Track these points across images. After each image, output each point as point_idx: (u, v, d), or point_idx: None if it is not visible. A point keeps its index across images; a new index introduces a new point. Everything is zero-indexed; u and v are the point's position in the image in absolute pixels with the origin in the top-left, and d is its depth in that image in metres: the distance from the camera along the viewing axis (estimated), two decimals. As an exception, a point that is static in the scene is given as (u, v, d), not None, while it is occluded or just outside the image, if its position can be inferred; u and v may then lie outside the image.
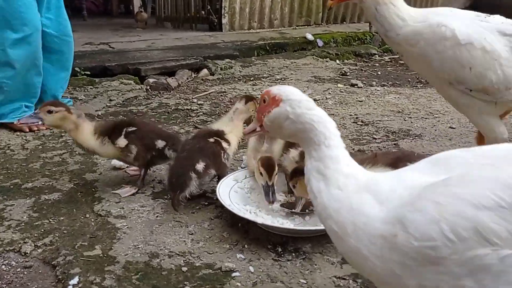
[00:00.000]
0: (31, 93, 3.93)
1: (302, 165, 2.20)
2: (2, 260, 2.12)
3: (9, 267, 2.08)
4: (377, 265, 1.24)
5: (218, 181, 2.56)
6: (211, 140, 2.64)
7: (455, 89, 2.61)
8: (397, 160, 2.24)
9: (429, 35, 2.54)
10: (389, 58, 7.32)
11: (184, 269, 2.03)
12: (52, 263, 2.09)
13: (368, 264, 1.26)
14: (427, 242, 1.13)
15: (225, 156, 2.64)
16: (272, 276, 1.97)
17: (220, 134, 2.70)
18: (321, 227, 2.22)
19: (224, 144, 2.66)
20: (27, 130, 3.79)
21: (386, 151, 2.61)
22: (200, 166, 2.49)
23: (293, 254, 2.14)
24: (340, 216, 1.31)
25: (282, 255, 2.13)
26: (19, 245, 2.22)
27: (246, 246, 2.20)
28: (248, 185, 2.62)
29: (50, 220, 2.45)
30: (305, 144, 1.46)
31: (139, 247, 2.19)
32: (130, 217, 2.47)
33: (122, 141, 2.67)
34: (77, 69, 5.41)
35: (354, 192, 1.32)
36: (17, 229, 2.37)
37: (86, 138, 2.70)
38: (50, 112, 2.61)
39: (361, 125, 3.99)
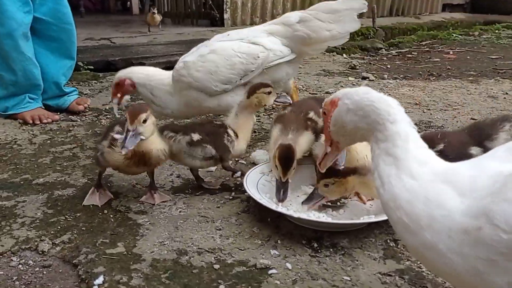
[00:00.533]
0: (34, 85, 3.78)
1: (339, 165, 2.08)
2: (18, 259, 1.97)
3: (27, 267, 1.93)
4: (456, 262, 1.11)
5: (228, 169, 2.57)
6: (217, 122, 2.59)
7: None
8: None
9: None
10: (396, 52, 7.21)
11: (216, 266, 1.89)
12: (73, 262, 1.94)
13: (445, 261, 1.14)
14: None
15: (228, 140, 2.48)
16: (312, 273, 1.84)
17: (226, 126, 2.57)
18: (359, 220, 2.10)
19: (230, 131, 2.51)
20: (31, 121, 3.67)
21: None
22: (195, 136, 2.43)
23: (331, 250, 2.00)
24: (414, 208, 1.18)
25: (319, 251, 1.99)
26: (36, 243, 2.07)
27: (279, 241, 2.06)
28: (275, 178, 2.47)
29: (66, 216, 2.30)
30: (370, 132, 1.35)
31: (165, 244, 2.04)
32: (151, 213, 2.32)
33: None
34: (80, 63, 5.26)
35: (430, 181, 1.20)
36: (32, 226, 2.21)
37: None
38: (145, 121, 2.10)
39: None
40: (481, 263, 1.07)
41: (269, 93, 2.54)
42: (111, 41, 7.11)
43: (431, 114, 3.95)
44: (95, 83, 4.95)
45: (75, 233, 2.16)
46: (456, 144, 2.12)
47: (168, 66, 5.62)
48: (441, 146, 2.11)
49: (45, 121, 3.71)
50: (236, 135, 2.52)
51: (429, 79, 5.38)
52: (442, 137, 2.14)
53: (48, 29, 3.81)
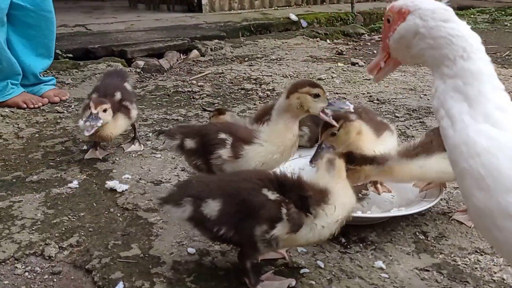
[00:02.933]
0: (14, 71, 3.58)
1: (354, 151, 1.96)
2: (23, 266, 1.80)
3: (34, 274, 1.76)
4: None
5: None
6: (221, 135, 1.99)
7: None
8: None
9: None
10: (379, 38, 7.15)
11: (243, 267, 1.77)
12: (86, 267, 1.79)
13: None
14: None
15: (214, 160, 1.97)
16: (347, 271, 1.74)
17: (245, 140, 1.98)
18: (387, 214, 2.02)
19: (223, 151, 1.96)
20: (25, 105, 3.58)
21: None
22: (189, 143, 2.04)
23: (360, 245, 1.91)
24: (497, 161, 1.01)
25: (348, 246, 1.89)
26: (41, 248, 1.90)
27: (304, 237, 1.95)
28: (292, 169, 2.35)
29: (70, 216, 2.13)
30: (435, 63, 1.17)
31: (183, 244, 1.91)
32: (162, 210, 2.17)
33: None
34: (58, 51, 4.98)
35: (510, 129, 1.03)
36: (33, 228, 2.04)
37: None
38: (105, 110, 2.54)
39: (378, 103, 3.79)
40: None
41: (316, 96, 1.89)
42: (86, 27, 6.80)
43: (428, 99, 3.90)
44: (76, 72, 4.69)
45: (82, 234, 1.99)
46: None
47: (151, 54, 5.48)
48: None
49: (36, 105, 3.59)
50: (235, 155, 1.95)
51: (417, 64, 5.33)
52: None
53: (26, 16, 3.57)
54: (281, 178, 1.61)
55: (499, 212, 1.01)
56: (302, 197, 1.56)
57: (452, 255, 1.83)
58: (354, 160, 1.92)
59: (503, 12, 8.62)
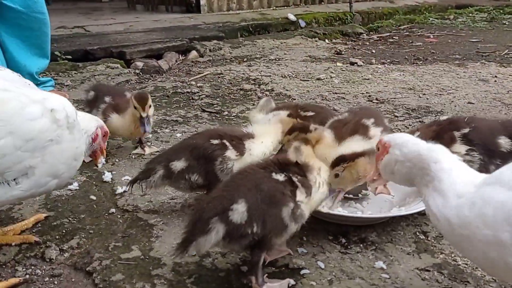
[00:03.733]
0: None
1: (348, 152, 1.99)
2: (24, 269, 1.80)
3: (35, 277, 1.76)
4: None
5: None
6: (215, 141, 2.08)
7: None
8: (442, 132, 2.04)
9: None
10: (378, 37, 7.16)
11: (244, 268, 1.77)
12: (86, 269, 1.79)
13: (509, 251, 1.19)
14: None
15: (221, 166, 2.05)
16: (348, 272, 1.74)
17: (238, 138, 2.13)
18: (387, 214, 2.02)
19: (229, 153, 2.06)
20: None
21: (427, 124, 2.29)
22: (178, 164, 2.04)
23: (361, 245, 1.91)
24: (467, 217, 1.28)
25: (349, 247, 1.89)
26: (41, 250, 1.90)
27: (304, 238, 1.95)
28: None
29: (70, 219, 2.13)
30: (419, 178, 1.46)
31: (184, 246, 1.90)
32: (162, 211, 2.18)
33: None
34: (57, 53, 4.99)
35: (478, 188, 1.31)
36: (33, 231, 2.04)
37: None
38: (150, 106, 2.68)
39: (377, 103, 3.79)
40: None
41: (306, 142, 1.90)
42: (85, 29, 6.80)
43: (427, 99, 3.90)
44: (75, 73, 4.70)
45: (83, 237, 1.99)
46: (484, 130, 2.04)
47: (150, 55, 5.48)
48: (466, 130, 2.03)
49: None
50: (241, 153, 2.09)
51: (416, 63, 5.34)
52: (469, 122, 2.06)
53: (18, 18, 3.55)
54: (278, 161, 1.72)
55: (492, 244, 1.25)
56: (299, 166, 1.72)
57: (453, 255, 1.84)
58: (345, 159, 1.93)
59: (501, 11, 8.64)
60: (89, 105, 2.84)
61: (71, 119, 1.74)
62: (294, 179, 1.64)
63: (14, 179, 1.64)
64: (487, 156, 1.95)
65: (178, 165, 2.04)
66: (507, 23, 7.73)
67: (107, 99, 2.77)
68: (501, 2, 9.57)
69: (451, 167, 1.40)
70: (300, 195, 1.63)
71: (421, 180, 1.45)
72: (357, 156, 1.94)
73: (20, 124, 1.58)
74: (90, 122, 2.06)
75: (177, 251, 1.53)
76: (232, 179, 1.71)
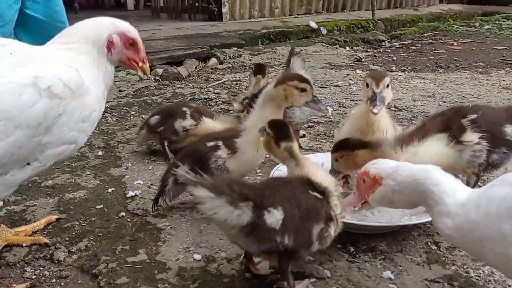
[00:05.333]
0: None
1: (350, 138, 2.02)
2: (33, 270, 1.82)
3: (43, 278, 1.78)
4: None
5: None
6: (210, 144, 2.09)
7: None
8: (450, 122, 1.99)
9: None
10: (400, 44, 7.09)
11: (248, 274, 1.75)
12: (93, 271, 1.80)
13: (510, 241, 1.22)
14: None
15: (215, 164, 2.04)
16: (354, 281, 1.70)
17: (233, 136, 2.10)
18: (398, 222, 1.98)
19: (220, 152, 2.06)
20: None
21: (432, 116, 2.21)
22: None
23: (369, 254, 1.87)
24: (475, 219, 1.29)
25: (357, 256, 1.86)
26: (50, 251, 1.92)
27: (312, 245, 1.92)
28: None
29: (81, 221, 2.15)
30: (422, 200, 1.46)
31: (190, 250, 1.90)
32: (171, 216, 2.18)
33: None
34: (79, 59, 5.07)
35: (481, 193, 1.33)
36: (44, 232, 2.06)
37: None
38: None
39: (395, 110, 3.73)
40: None
41: (303, 90, 1.99)
42: (108, 36, 6.91)
43: (447, 107, 3.82)
44: (96, 79, 4.77)
45: (91, 239, 2.01)
46: (490, 117, 1.98)
47: (170, 62, 5.53)
48: (473, 116, 1.97)
49: None
50: (232, 151, 2.06)
51: (438, 71, 5.25)
52: (476, 109, 2.01)
53: (39, 27, 3.62)
54: (309, 180, 1.61)
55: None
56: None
57: (465, 267, 1.78)
58: (346, 147, 1.94)
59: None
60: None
61: (73, 86, 1.64)
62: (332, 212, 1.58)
63: (36, 159, 1.65)
64: (492, 144, 1.89)
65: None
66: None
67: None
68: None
69: (451, 186, 1.41)
70: (333, 228, 1.57)
71: (425, 201, 1.45)
72: (358, 147, 1.91)
73: (23, 114, 1.53)
74: (98, 29, 1.83)
75: (189, 178, 1.42)
76: (272, 182, 1.65)
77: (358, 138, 2.01)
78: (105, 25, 1.83)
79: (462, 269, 1.77)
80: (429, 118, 2.16)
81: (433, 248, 1.91)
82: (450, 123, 1.97)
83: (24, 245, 1.95)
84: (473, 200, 1.33)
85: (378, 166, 1.56)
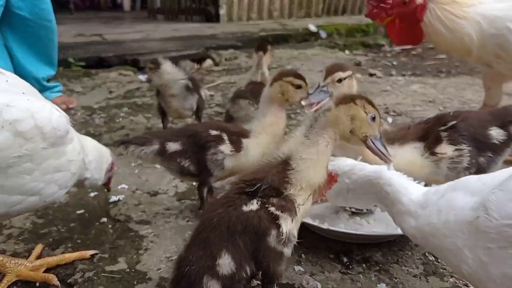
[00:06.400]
0: None
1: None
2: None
3: (15, 286, 1.66)
4: (468, 257, 1.17)
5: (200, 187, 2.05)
6: (213, 132, 1.99)
7: None
8: (429, 131, 1.89)
9: None
10: (400, 49, 6.98)
11: (233, 286, 1.63)
12: (68, 281, 1.68)
13: (462, 258, 1.18)
14: (506, 220, 1.07)
15: (212, 157, 1.96)
16: (347, 294, 1.59)
17: (238, 134, 2.03)
18: (393, 231, 1.86)
19: (224, 147, 1.97)
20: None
21: (418, 122, 2.09)
22: (173, 146, 1.98)
23: (364, 265, 1.75)
24: (435, 225, 1.26)
25: (350, 266, 1.74)
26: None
27: (303, 256, 1.80)
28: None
29: (59, 227, 2.04)
30: (378, 200, 1.46)
31: (173, 259, 1.78)
32: (155, 222, 2.06)
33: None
34: (70, 59, 4.98)
35: (441, 195, 1.29)
36: (20, 238, 1.94)
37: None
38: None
39: (394, 115, 3.63)
40: (482, 252, 1.12)
41: (298, 87, 2.01)
42: (102, 37, 6.82)
43: (448, 112, 3.72)
44: (87, 80, 4.67)
45: (69, 246, 1.89)
46: (472, 121, 1.87)
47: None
48: (452, 123, 1.86)
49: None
50: (237, 149, 1.98)
51: (438, 76, 5.15)
52: (456, 115, 1.90)
53: (25, 25, 3.53)
54: (246, 184, 1.41)
55: (451, 251, 1.24)
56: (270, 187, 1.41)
57: (464, 280, 1.66)
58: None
59: None
60: None
61: (45, 127, 1.41)
62: (271, 209, 1.35)
63: None
64: (476, 149, 1.78)
65: (173, 146, 1.98)
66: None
67: None
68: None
69: (404, 185, 1.40)
70: (285, 225, 1.35)
71: (380, 201, 1.45)
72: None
73: None
74: (106, 153, 1.94)
75: None
76: (203, 229, 1.39)
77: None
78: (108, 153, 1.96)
79: (460, 281, 1.66)
80: (415, 124, 2.08)
81: (431, 259, 1.79)
82: (429, 132, 1.88)
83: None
84: (433, 202, 1.30)
85: (335, 163, 1.58)
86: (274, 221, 1.35)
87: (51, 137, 1.43)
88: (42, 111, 1.43)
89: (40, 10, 3.50)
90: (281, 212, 1.35)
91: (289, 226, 1.36)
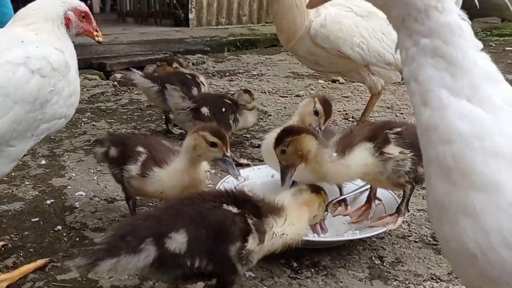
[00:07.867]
0: None
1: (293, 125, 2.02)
2: (-48, 289, 1.69)
3: (-38, 299, 1.66)
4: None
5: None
6: (139, 148, 1.94)
7: None
8: (377, 131, 1.93)
9: None
10: (364, 55, 7.12)
11: (184, 293, 1.66)
12: (17, 291, 1.68)
13: (496, 226, 0.82)
14: None
15: (124, 172, 1.93)
16: (293, 299, 1.64)
17: (159, 160, 1.89)
18: (345, 237, 1.92)
19: (133, 167, 1.89)
20: None
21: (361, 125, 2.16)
22: (112, 151, 2.05)
23: (312, 270, 1.81)
24: (468, 149, 0.84)
25: (300, 271, 1.80)
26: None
27: (254, 261, 1.85)
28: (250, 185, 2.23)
29: (12, 235, 2.03)
30: (400, 16, 0.92)
31: (125, 267, 1.80)
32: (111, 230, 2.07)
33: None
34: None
35: (501, 110, 0.85)
36: (-31, 248, 1.93)
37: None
38: None
39: (352, 121, 3.72)
40: None
41: (213, 144, 1.77)
42: (69, 40, 6.74)
43: (404, 118, 3.84)
44: (50, 84, 4.61)
45: (21, 255, 1.89)
46: (415, 132, 1.94)
47: (131, 67, 5.38)
48: (398, 129, 1.93)
49: None
50: (142, 174, 1.86)
51: (398, 82, 5.27)
52: (401, 124, 1.97)
53: None
54: (233, 193, 1.53)
55: (458, 209, 0.87)
56: (257, 206, 1.50)
57: (407, 282, 1.74)
58: (289, 132, 1.80)
59: (489, 33, 8.61)
60: None
61: (58, 66, 1.70)
62: (249, 220, 1.44)
63: (32, 134, 1.71)
64: (417, 157, 1.85)
65: (112, 152, 2.04)
66: (493, 45, 7.70)
67: None
68: (490, 24, 9.56)
69: (465, 30, 0.88)
70: (252, 242, 1.42)
71: (404, 22, 0.92)
72: (303, 131, 1.79)
73: (19, 90, 1.61)
74: (54, 8, 1.86)
75: (86, 261, 1.30)
76: (176, 202, 1.53)
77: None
78: (58, 4, 1.89)
79: (403, 284, 1.73)
80: (359, 126, 2.14)
81: (377, 263, 1.87)
82: (377, 133, 1.94)
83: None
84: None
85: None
86: (245, 233, 1.41)
87: (62, 70, 1.73)
88: (52, 54, 1.71)
89: (2, 15, 3.46)
90: (255, 229, 1.43)
91: (253, 246, 1.43)
